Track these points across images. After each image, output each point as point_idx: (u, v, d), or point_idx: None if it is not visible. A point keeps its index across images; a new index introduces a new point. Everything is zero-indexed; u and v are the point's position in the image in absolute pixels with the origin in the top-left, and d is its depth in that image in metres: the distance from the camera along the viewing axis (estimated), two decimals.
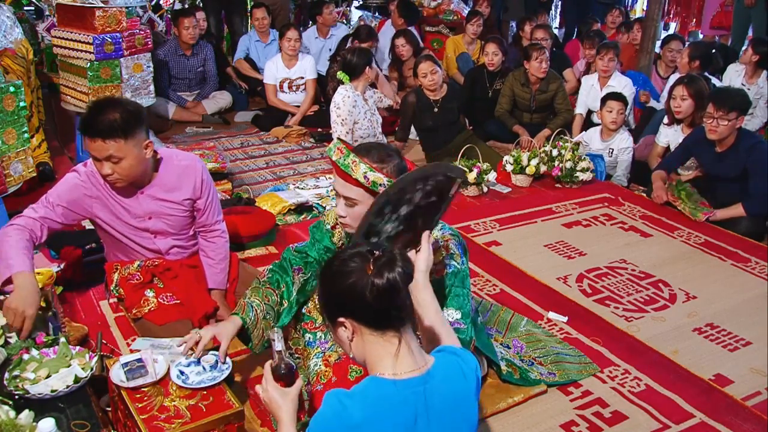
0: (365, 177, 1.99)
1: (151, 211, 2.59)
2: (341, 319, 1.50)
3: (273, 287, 2.26)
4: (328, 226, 2.34)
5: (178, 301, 2.64)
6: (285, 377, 1.67)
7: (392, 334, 1.48)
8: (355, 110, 4.39)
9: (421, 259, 1.77)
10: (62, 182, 2.54)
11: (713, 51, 5.78)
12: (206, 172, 2.68)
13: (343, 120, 4.35)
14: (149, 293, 2.65)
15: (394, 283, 1.44)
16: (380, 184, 1.98)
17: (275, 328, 1.90)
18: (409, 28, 6.61)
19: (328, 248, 2.33)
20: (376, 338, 1.47)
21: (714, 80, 5.07)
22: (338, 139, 2.18)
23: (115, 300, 2.83)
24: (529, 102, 5.38)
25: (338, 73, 4.54)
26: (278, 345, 1.75)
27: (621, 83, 5.22)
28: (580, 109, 5.50)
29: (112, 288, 2.74)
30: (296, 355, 2.49)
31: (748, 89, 5.26)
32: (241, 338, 2.22)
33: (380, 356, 1.48)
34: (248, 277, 2.85)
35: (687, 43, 6.03)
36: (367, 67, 4.49)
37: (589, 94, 5.42)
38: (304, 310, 2.34)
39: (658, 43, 6.09)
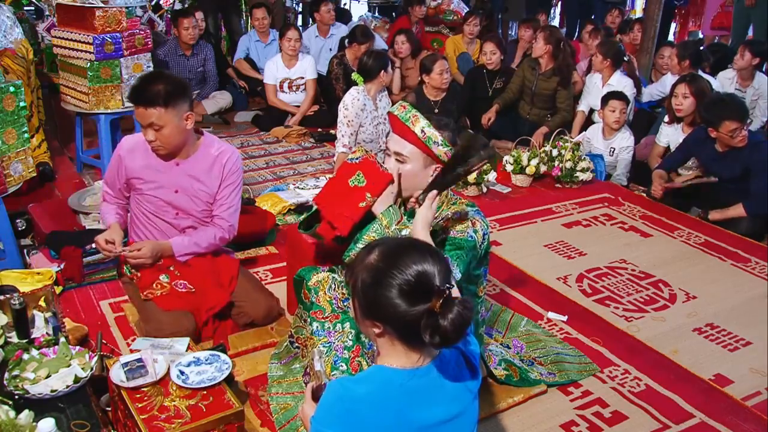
0: (423, 131, 2.11)
1: (181, 186, 2.69)
2: (378, 323, 1.44)
3: None
4: None
5: (192, 289, 2.69)
6: None
7: (419, 349, 1.47)
8: (363, 114, 4.37)
9: (421, 213, 1.93)
10: (110, 163, 2.81)
11: (701, 48, 5.78)
12: (236, 166, 2.77)
13: (349, 121, 4.33)
14: (164, 278, 2.69)
15: (459, 330, 1.34)
16: (434, 141, 2.11)
17: (318, 348, 1.90)
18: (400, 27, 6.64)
19: None
20: (402, 346, 1.46)
21: (710, 79, 5.07)
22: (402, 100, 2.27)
23: (128, 280, 2.82)
24: (532, 84, 5.39)
25: (353, 74, 4.51)
26: (317, 365, 1.73)
27: (621, 83, 5.23)
28: (583, 107, 5.51)
29: (126, 268, 2.77)
30: (296, 344, 2.50)
31: (744, 92, 5.29)
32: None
33: (397, 356, 1.48)
34: (245, 280, 2.85)
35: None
36: (382, 71, 4.39)
37: (591, 92, 5.44)
38: (313, 299, 2.35)
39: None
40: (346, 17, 5.93)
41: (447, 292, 1.36)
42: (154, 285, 2.67)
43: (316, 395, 1.59)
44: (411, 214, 2.27)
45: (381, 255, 1.42)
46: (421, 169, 2.18)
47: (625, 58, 5.36)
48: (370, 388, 1.45)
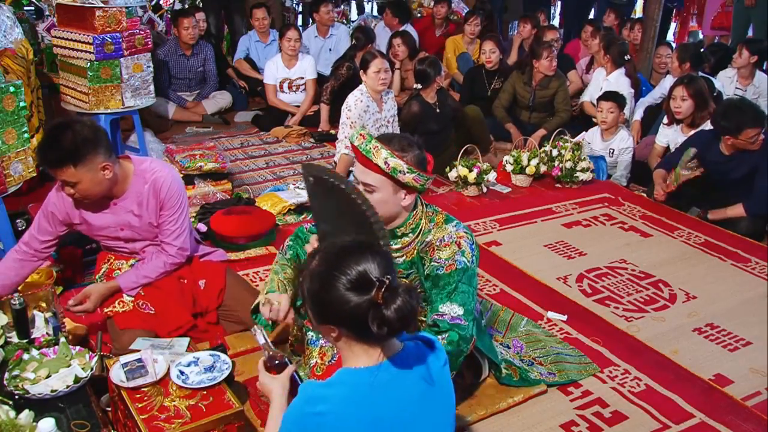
0: (386, 162, 2.03)
1: (124, 223, 2.62)
2: (332, 327, 1.47)
3: (296, 262, 2.33)
4: None
5: (152, 311, 2.63)
6: (276, 368, 1.75)
7: (378, 345, 1.49)
8: (365, 115, 4.37)
9: None
10: (43, 212, 2.62)
11: (702, 50, 5.79)
12: (172, 188, 2.62)
13: (352, 123, 4.33)
14: (128, 296, 2.64)
15: (403, 318, 1.39)
16: (400, 171, 2.03)
17: (256, 326, 1.94)
18: (405, 29, 6.64)
19: None
20: (361, 345, 1.48)
21: (712, 80, 5.07)
22: (360, 129, 2.21)
23: None
24: (528, 100, 5.39)
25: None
26: (261, 339, 1.85)
27: (618, 81, 5.23)
28: (585, 97, 5.54)
29: (97, 278, 2.76)
30: (297, 353, 2.50)
31: (744, 91, 5.29)
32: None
33: (357, 357, 1.49)
34: (236, 285, 2.84)
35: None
36: (361, 71, 4.42)
37: (593, 85, 5.50)
38: (302, 310, 2.33)
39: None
40: (370, 36, 5.93)
41: (387, 282, 1.39)
42: (117, 302, 2.62)
43: (266, 366, 1.73)
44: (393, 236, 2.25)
45: (321, 260, 1.48)
46: (391, 196, 2.11)
47: (626, 57, 5.36)
48: (340, 390, 1.45)
